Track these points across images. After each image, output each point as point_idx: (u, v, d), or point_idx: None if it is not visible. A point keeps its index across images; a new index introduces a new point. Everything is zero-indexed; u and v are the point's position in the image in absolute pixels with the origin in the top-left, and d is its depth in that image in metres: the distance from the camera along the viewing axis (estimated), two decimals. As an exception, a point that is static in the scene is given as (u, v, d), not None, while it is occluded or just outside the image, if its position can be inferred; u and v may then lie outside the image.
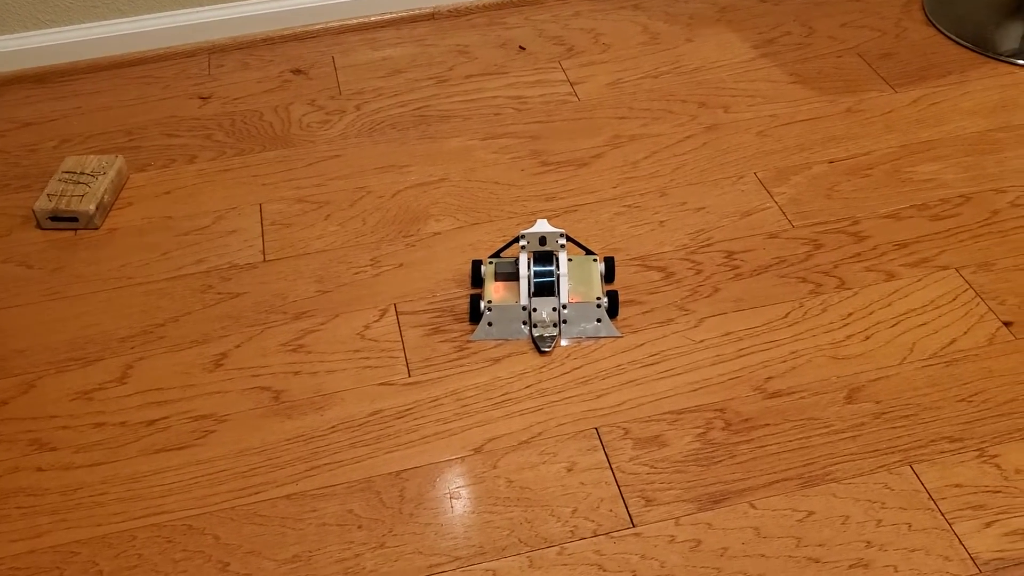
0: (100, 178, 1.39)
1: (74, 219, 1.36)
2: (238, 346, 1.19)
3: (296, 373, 1.15)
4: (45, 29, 1.67)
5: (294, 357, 1.17)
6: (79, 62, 1.68)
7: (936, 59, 1.60)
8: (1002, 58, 1.59)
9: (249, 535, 1.00)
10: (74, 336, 1.21)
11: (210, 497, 1.03)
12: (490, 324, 1.17)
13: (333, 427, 1.09)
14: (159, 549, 0.99)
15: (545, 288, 1.18)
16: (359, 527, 1.00)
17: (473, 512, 1.01)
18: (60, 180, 1.39)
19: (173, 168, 1.47)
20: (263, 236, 1.34)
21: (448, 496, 1.02)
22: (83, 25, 1.68)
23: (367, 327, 1.20)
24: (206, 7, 1.70)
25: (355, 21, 1.75)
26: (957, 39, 1.64)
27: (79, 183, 1.39)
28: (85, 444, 1.09)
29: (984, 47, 1.61)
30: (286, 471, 1.05)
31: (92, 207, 1.35)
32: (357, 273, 1.27)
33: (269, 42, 1.73)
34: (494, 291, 1.20)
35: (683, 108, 1.52)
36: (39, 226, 1.37)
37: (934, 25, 1.68)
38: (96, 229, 1.37)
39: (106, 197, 1.39)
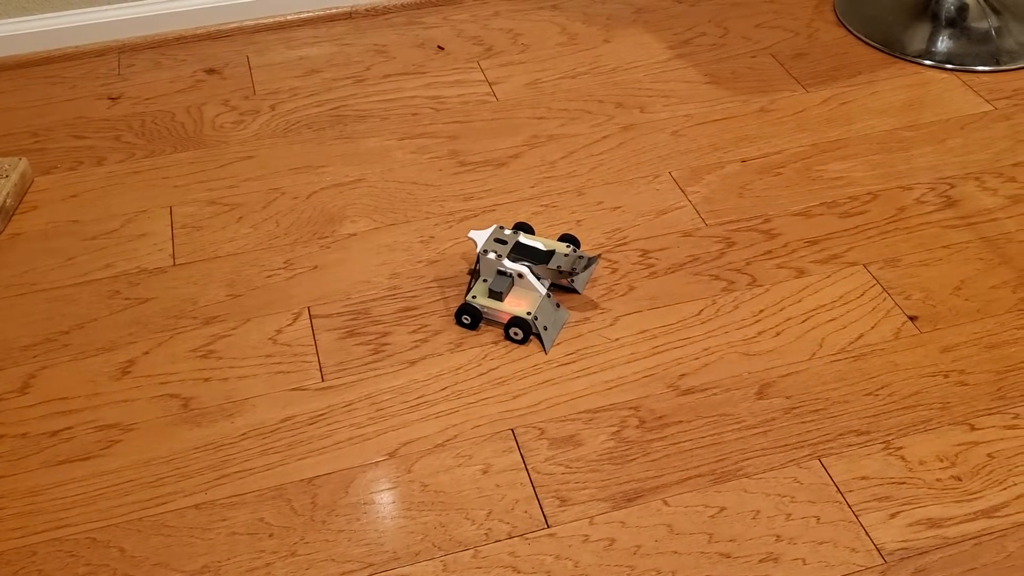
0: (2, 181, 1.35)
1: (-26, 224, 1.31)
2: (146, 353, 1.16)
3: (206, 380, 1.13)
4: (-56, 27, 1.61)
5: (204, 363, 1.14)
6: (-19, 61, 1.63)
7: (847, 59, 1.63)
8: (909, 58, 1.63)
9: (156, 546, 0.97)
10: (-27, 345, 1.17)
11: (115, 509, 1.00)
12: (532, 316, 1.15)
13: (244, 434, 1.07)
14: (61, 564, 0.96)
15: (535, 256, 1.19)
16: (270, 535, 0.98)
17: (387, 518, 1.00)
18: (-41, 184, 1.35)
19: (80, 171, 1.43)
20: (173, 240, 1.31)
21: (361, 502, 1.01)
22: (-14, 23, 1.63)
23: (279, 331, 1.18)
24: (115, 5, 1.66)
25: (271, 20, 1.72)
26: (867, 40, 1.67)
27: (-21, 187, 1.34)
28: (-17, 457, 1.05)
29: (892, 48, 1.65)
30: (195, 480, 1.03)
31: (-7, 211, 1.31)
32: (270, 276, 1.25)
33: (182, 41, 1.69)
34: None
35: (600, 108, 1.53)
36: (-63, 231, 1.32)
37: (845, 26, 1.71)
38: (-2, 234, 1.32)
39: (8, 201, 1.34)
